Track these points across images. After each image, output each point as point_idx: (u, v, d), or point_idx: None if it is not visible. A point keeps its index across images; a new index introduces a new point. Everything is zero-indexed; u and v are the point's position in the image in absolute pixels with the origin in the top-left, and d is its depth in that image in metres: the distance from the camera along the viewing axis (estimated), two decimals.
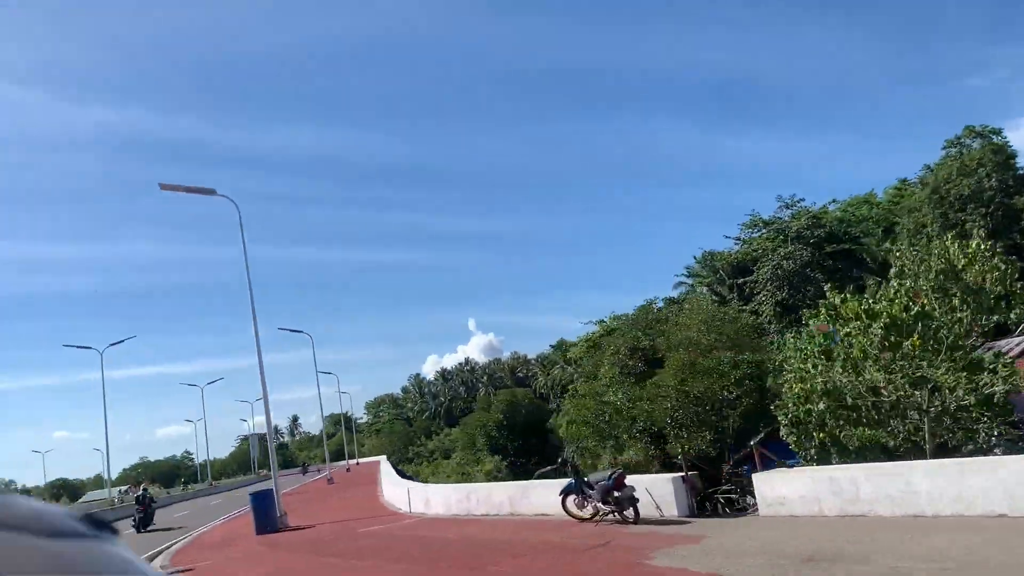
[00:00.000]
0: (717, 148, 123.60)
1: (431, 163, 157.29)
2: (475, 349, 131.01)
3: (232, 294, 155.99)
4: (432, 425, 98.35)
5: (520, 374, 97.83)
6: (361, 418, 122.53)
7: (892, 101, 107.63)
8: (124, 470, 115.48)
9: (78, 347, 50.20)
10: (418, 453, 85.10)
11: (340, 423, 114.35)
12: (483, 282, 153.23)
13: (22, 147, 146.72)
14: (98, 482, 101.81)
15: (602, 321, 51.26)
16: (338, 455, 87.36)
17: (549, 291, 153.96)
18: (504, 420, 56.90)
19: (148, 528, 28.04)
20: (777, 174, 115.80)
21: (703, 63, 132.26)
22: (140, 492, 29.49)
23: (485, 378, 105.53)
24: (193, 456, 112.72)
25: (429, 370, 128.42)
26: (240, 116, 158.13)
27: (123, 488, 67.37)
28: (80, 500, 78.73)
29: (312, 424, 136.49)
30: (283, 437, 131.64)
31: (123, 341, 50.98)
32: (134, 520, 28.10)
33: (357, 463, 73.64)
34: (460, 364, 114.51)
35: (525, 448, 53.92)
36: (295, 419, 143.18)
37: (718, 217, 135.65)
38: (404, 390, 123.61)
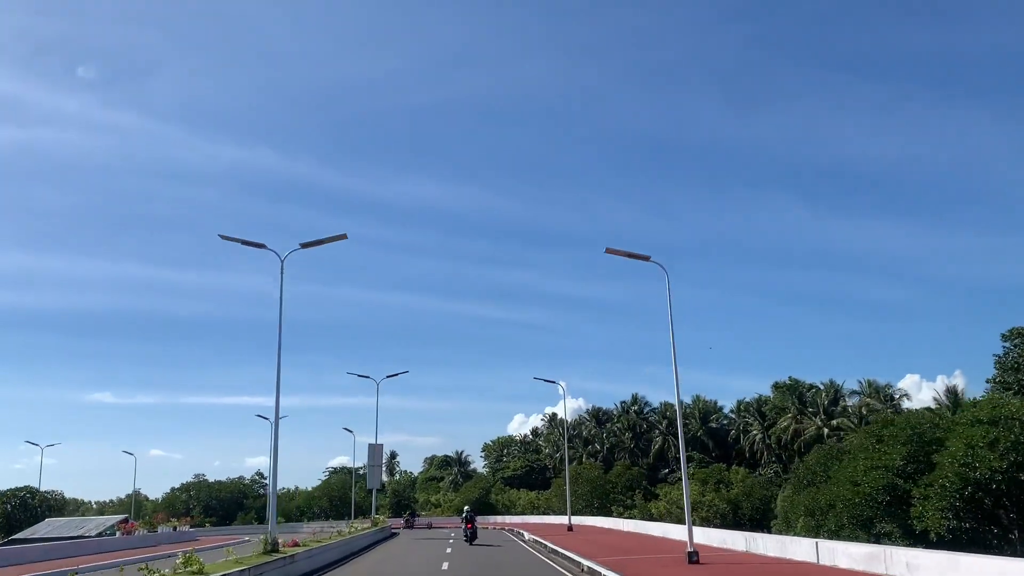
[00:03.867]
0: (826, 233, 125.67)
1: (540, 225, 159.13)
2: (562, 413, 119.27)
3: (325, 333, 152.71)
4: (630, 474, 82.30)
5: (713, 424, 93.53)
6: (474, 464, 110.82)
7: None
8: (173, 489, 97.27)
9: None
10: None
11: (453, 465, 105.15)
12: (577, 347, 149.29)
13: (156, 177, 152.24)
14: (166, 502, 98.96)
15: None
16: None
17: (641, 362, 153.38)
18: None
19: None
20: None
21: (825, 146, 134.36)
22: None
23: (664, 423, 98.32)
24: (266, 479, 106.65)
25: (514, 429, 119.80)
26: (364, 166, 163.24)
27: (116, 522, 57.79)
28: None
29: (411, 462, 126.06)
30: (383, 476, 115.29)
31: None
32: None
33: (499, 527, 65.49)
34: (624, 405, 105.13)
35: None
36: (393, 455, 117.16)
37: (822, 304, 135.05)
38: (534, 432, 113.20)
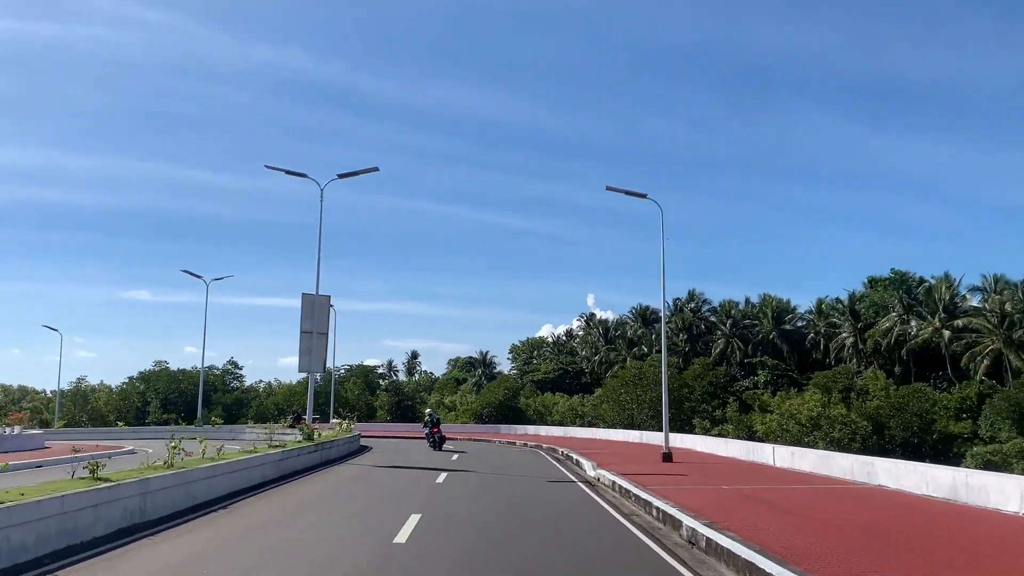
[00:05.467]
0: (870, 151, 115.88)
1: (579, 137, 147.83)
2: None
3: (337, 238, 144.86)
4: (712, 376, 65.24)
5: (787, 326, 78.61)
6: (499, 365, 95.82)
7: None
8: (131, 379, 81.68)
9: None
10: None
11: (478, 367, 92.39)
12: (608, 260, 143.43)
13: (188, 77, 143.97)
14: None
15: None
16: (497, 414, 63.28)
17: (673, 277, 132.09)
18: None
19: None
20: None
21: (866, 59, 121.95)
22: None
23: (727, 323, 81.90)
24: (241, 369, 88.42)
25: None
26: (396, 70, 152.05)
27: None
28: None
29: (436, 366, 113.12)
30: (398, 373, 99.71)
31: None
32: None
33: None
34: (678, 302, 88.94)
35: None
36: (414, 355, 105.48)
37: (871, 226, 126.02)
38: (568, 334, 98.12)
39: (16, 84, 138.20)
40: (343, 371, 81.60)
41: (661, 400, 57.39)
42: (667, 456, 26.38)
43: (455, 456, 29.71)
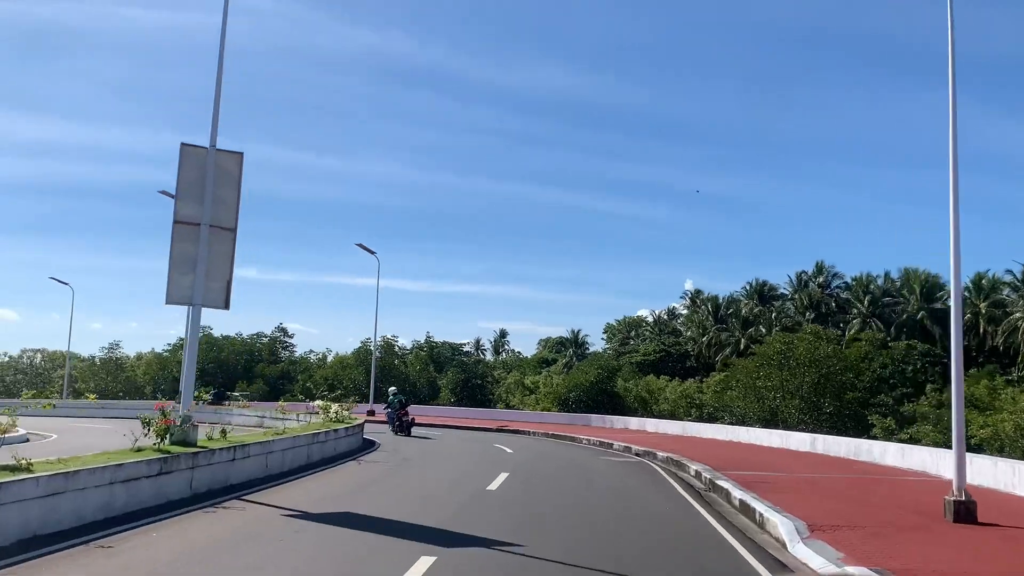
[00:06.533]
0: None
1: (675, 116, 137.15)
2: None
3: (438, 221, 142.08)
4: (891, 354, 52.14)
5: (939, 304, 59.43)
6: (593, 346, 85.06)
7: None
8: (172, 345, 71.64)
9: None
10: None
11: (568, 347, 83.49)
12: (707, 246, 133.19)
13: (293, 61, 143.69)
14: None
15: None
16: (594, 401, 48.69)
17: (781, 260, 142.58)
18: None
19: None
20: None
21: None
22: None
23: (865, 300, 69.27)
24: (291, 338, 76.24)
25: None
26: (493, 52, 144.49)
27: None
28: None
29: (529, 348, 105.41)
30: (486, 352, 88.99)
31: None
32: None
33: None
34: (802, 276, 76.76)
35: None
36: (502, 334, 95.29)
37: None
38: (670, 313, 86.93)
39: (137, 70, 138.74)
40: (408, 345, 68.71)
41: (817, 387, 42.38)
42: (963, 508, 11.36)
43: (496, 482, 15.46)
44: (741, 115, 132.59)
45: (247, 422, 31.19)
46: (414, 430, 30.32)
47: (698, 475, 17.34)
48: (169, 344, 73.94)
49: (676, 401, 51.42)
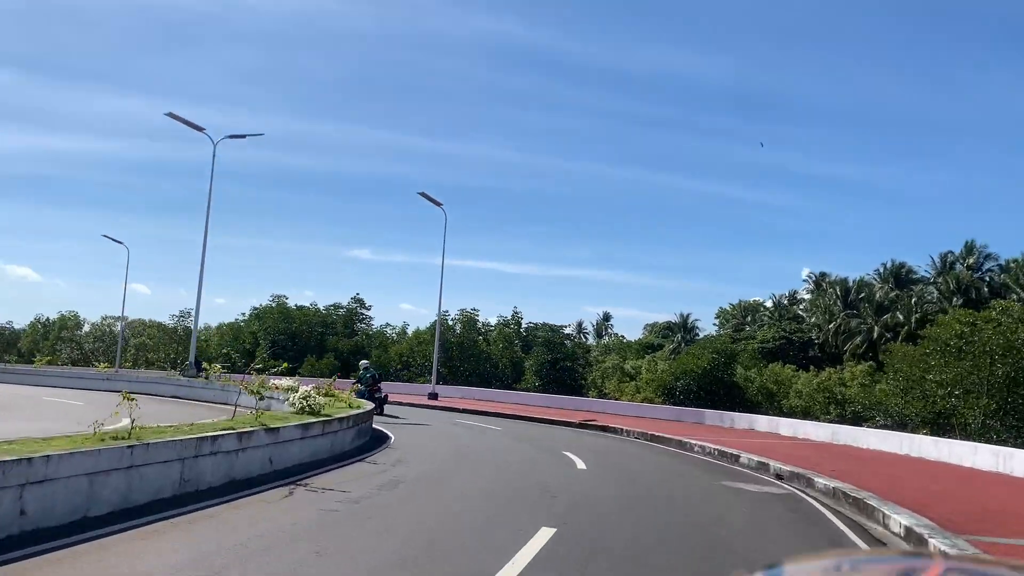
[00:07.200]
0: None
1: (802, 98, 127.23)
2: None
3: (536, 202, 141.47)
4: None
5: None
6: (704, 332, 78.29)
7: None
8: (246, 314, 70.20)
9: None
10: None
11: (677, 332, 77.24)
12: (825, 229, 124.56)
13: (410, 47, 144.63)
14: None
15: None
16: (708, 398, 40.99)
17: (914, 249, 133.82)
18: None
19: None
20: None
21: None
22: None
23: None
24: (368, 309, 68.13)
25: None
26: (605, 35, 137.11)
27: None
28: None
29: (634, 334, 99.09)
30: (587, 335, 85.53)
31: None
32: None
33: None
34: (946, 258, 67.15)
35: None
36: (606, 317, 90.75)
37: None
38: (790, 297, 79.52)
39: (269, 57, 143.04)
40: (493, 322, 61.03)
41: (1012, 383, 31.53)
42: None
43: (515, 567, 7.39)
44: (883, 96, 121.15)
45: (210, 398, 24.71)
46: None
47: (911, 536, 8.79)
48: (243, 314, 69.54)
49: (811, 396, 41.76)
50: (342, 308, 66.29)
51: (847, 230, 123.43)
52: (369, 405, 18.82)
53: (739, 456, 19.22)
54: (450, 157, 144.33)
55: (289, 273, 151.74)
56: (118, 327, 77.17)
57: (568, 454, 17.32)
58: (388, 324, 66.71)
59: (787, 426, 28.98)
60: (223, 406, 24.19)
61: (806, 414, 39.48)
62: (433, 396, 35.51)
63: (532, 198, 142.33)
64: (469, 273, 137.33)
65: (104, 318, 78.58)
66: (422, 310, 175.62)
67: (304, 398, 14.12)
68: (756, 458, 18.33)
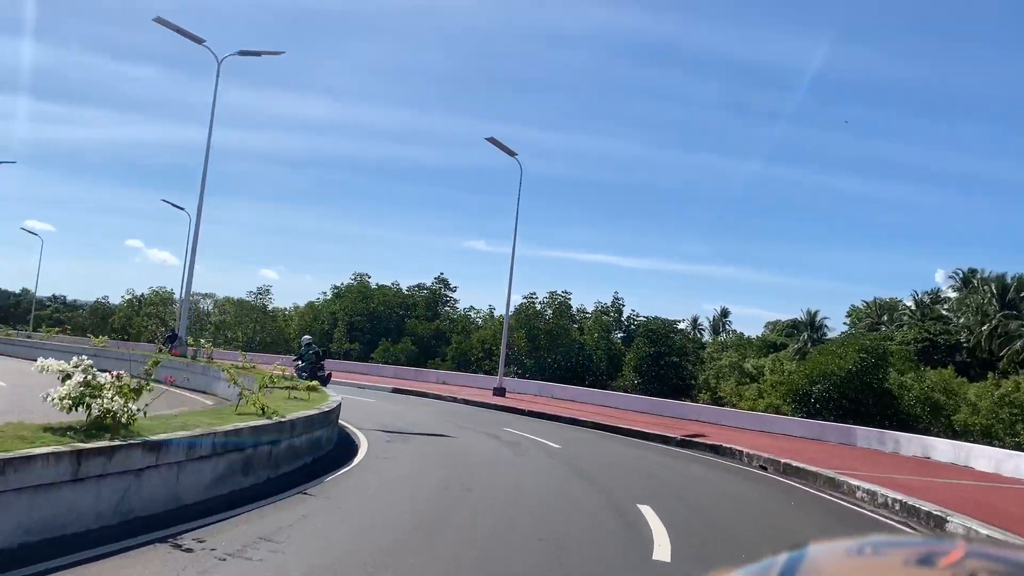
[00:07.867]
0: None
1: (945, 91, 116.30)
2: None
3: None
4: None
5: None
6: (833, 331, 69.05)
7: None
8: (326, 293, 67.59)
9: None
10: None
11: (803, 330, 69.47)
12: (964, 232, 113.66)
13: (530, 39, 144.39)
14: None
15: None
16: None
17: None
18: None
19: None
20: None
21: None
22: None
23: None
24: (453, 290, 63.04)
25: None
26: (731, 23, 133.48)
27: None
28: None
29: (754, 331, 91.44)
30: (703, 332, 75.40)
31: None
32: None
33: None
34: None
35: None
36: (724, 312, 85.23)
37: None
38: (933, 296, 70.65)
39: (386, 51, 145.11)
40: (586, 308, 53.28)
41: None
42: None
43: None
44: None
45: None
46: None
47: None
48: (323, 292, 65.07)
49: (990, 411, 32.24)
50: (425, 289, 60.40)
51: (993, 227, 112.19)
52: (311, 411, 12.07)
53: (946, 519, 11.32)
54: (559, 151, 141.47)
55: (382, 254, 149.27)
56: (205, 304, 74.78)
57: (643, 510, 9.88)
58: (472, 307, 60.37)
59: (985, 458, 20.13)
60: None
61: (987, 433, 30.26)
62: (499, 392, 28.68)
63: (645, 191, 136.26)
64: (571, 264, 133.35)
65: (192, 295, 76.70)
66: (515, 296, 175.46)
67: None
68: (976, 526, 10.47)
